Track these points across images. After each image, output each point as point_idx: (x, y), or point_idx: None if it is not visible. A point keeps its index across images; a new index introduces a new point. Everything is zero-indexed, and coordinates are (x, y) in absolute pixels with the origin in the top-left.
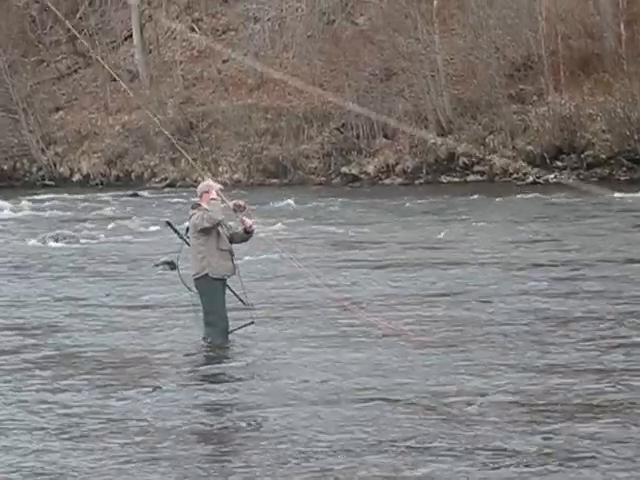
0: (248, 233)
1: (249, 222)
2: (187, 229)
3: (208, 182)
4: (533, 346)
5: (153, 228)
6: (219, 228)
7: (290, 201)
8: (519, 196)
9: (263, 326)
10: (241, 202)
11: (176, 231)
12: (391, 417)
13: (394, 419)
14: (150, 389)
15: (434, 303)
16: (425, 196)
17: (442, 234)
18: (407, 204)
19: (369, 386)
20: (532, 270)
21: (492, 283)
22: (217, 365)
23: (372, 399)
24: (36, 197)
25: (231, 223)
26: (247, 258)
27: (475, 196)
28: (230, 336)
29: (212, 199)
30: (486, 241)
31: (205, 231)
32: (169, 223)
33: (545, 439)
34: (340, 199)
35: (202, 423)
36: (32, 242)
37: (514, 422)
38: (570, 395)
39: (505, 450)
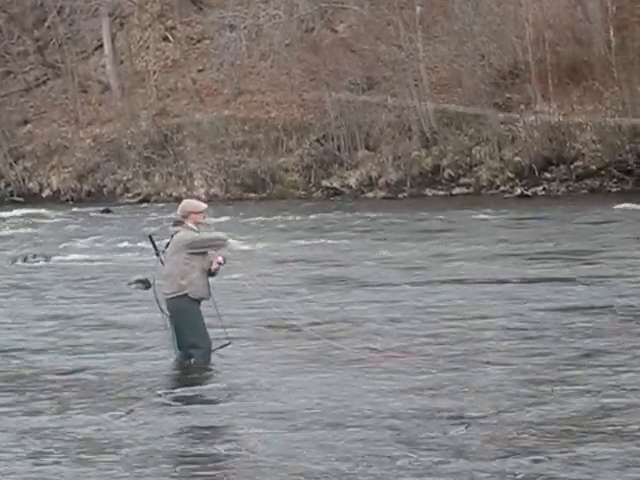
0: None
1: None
2: (167, 245)
3: (194, 202)
4: (527, 364)
5: (126, 245)
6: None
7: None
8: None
9: (241, 347)
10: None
11: (155, 247)
12: (375, 440)
13: (378, 442)
14: (123, 413)
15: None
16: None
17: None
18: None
19: (352, 408)
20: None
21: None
22: (193, 387)
23: (355, 422)
24: (4, 214)
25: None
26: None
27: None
28: None
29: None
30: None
31: (198, 251)
32: (151, 237)
33: (535, 462)
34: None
35: (178, 448)
36: None
37: (502, 444)
38: (566, 417)
39: (492, 473)
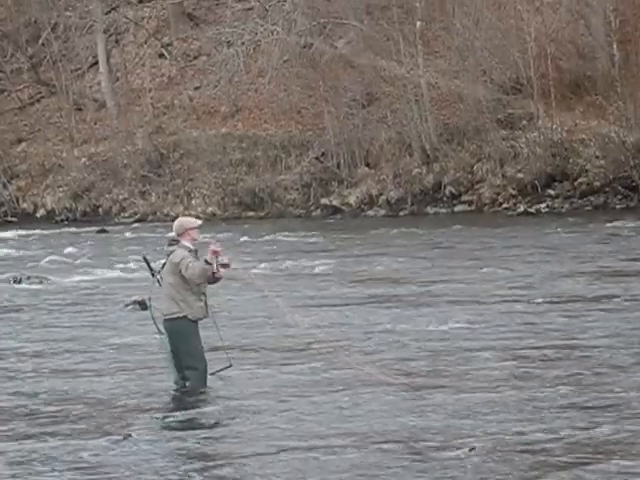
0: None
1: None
2: (163, 265)
3: (189, 219)
4: (527, 385)
5: (122, 266)
6: None
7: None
8: None
9: (241, 369)
10: (226, 260)
11: (150, 268)
12: (374, 464)
13: (377, 466)
14: (120, 437)
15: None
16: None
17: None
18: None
19: (351, 432)
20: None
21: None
22: (191, 411)
23: (354, 445)
24: None
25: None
26: (226, 298)
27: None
28: None
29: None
30: None
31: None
32: (145, 258)
33: None
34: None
35: (176, 473)
36: None
37: (507, 469)
38: (573, 437)
39: None
